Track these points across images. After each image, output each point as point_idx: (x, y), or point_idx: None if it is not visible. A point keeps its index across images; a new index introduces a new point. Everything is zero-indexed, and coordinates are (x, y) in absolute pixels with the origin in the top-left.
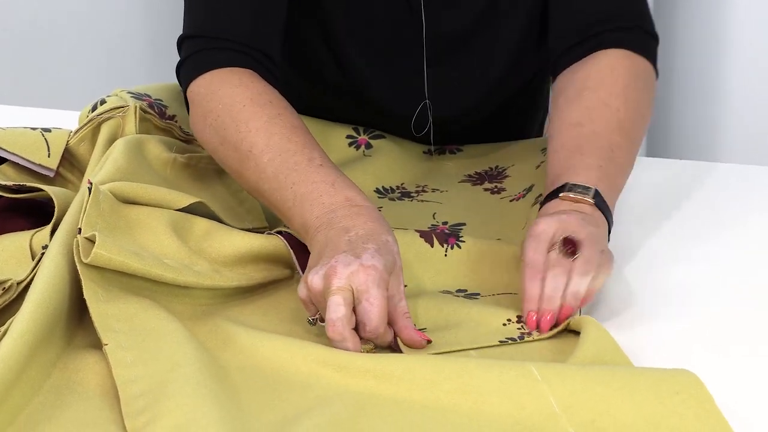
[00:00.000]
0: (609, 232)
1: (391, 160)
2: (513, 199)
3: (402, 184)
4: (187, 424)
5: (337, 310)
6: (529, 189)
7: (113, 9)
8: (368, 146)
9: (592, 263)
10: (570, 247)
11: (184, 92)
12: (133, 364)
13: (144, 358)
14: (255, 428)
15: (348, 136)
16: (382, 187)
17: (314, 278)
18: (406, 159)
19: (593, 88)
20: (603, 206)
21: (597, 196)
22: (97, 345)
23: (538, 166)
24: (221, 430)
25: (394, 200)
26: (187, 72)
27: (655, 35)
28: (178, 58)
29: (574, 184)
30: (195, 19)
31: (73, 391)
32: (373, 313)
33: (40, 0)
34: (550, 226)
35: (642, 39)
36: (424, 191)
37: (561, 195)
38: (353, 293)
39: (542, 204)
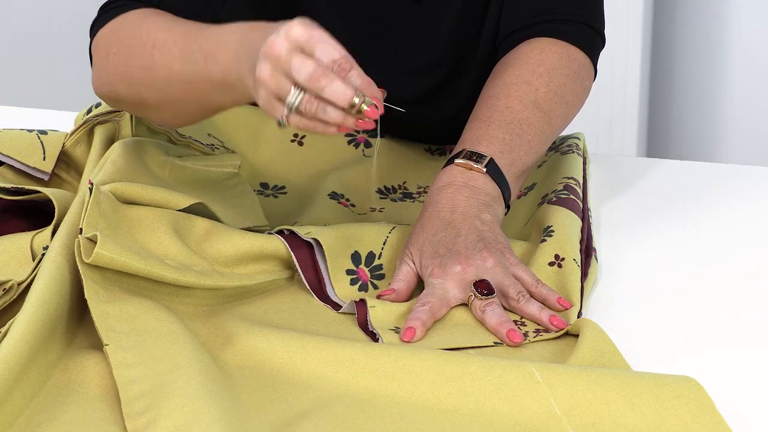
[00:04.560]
0: (507, 204)
1: (391, 160)
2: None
3: (404, 183)
4: (188, 425)
5: (305, 64)
6: (531, 187)
7: None
8: (367, 144)
9: (505, 267)
10: (484, 289)
11: (91, 47)
12: (134, 364)
13: (145, 359)
14: (255, 429)
15: (347, 135)
16: (384, 186)
17: (281, 37)
18: (407, 158)
19: (517, 66)
20: (497, 175)
21: (491, 164)
22: (97, 346)
23: (540, 165)
24: (222, 430)
25: (396, 201)
26: (96, 26)
27: (602, 35)
28: None
29: (471, 152)
30: None
31: (73, 392)
32: (333, 45)
33: (39, 0)
34: (453, 285)
35: (584, 34)
36: (425, 192)
37: (456, 161)
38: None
39: (443, 167)
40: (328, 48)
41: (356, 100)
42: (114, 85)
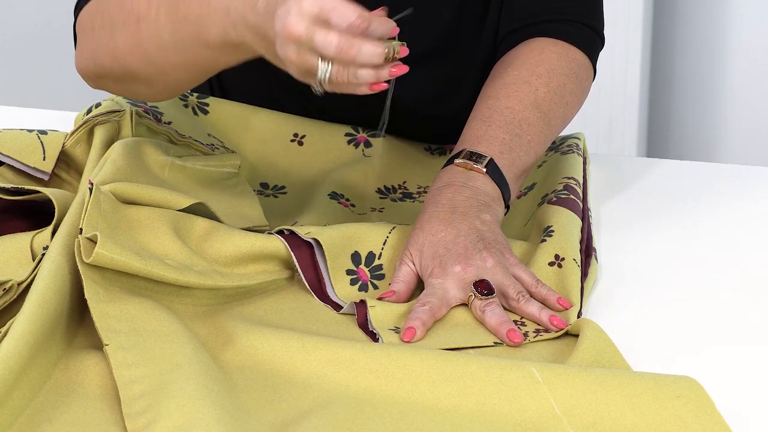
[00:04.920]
0: (507, 204)
1: (391, 160)
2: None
3: (404, 183)
4: (188, 425)
5: (329, 39)
6: (531, 187)
7: None
8: (367, 144)
9: (504, 267)
10: (484, 289)
11: (75, 26)
12: (134, 364)
13: (145, 359)
14: (255, 429)
15: (347, 134)
16: (384, 186)
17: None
18: (407, 158)
19: (516, 66)
20: (497, 175)
21: (491, 164)
22: (97, 346)
23: (540, 165)
24: (222, 430)
25: (396, 201)
26: (79, 5)
27: (601, 35)
28: None
29: (471, 152)
30: None
31: (73, 392)
32: (344, 9)
33: (39, 1)
34: (452, 285)
35: (584, 35)
36: (425, 192)
37: (456, 161)
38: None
39: (443, 167)
40: (342, 12)
41: (387, 52)
42: (99, 58)
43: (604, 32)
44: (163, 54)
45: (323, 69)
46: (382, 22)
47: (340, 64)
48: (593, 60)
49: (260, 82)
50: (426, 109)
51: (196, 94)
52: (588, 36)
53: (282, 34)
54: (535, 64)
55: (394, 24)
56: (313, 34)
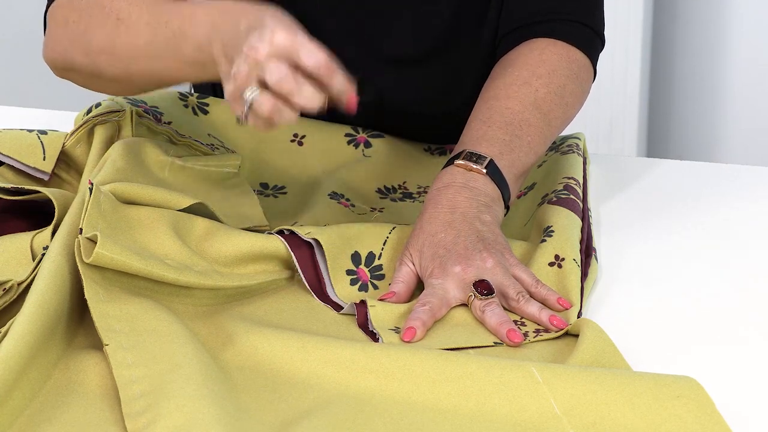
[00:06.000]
0: (507, 205)
1: (391, 160)
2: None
3: (404, 183)
4: (188, 425)
5: (279, 69)
6: (531, 187)
7: None
8: (367, 144)
9: (504, 268)
10: (484, 289)
11: (45, 17)
12: (134, 364)
13: (145, 359)
14: (255, 429)
15: (347, 134)
16: (384, 186)
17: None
18: (407, 158)
19: (517, 67)
20: (497, 176)
21: (491, 165)
22: (97, 346)
23: (540, 165)
24: (222, 430)
25: (396, 201)
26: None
27: (601, 36)
28: None
29: (471, 153)
30: None
31: (73, 392)
32: (316, 50)
33: (39, 0)
34: (452, 285)
35: (584, 35)
36: (425, 192)
37: (456, 162)
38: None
39: (443, 167)
40: (313, 51)
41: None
42: (69, 53)
43: (604, 32)
44: (134, 59)
45: (252, 90)
46: (343, 82)
47: (274, 94)
48: (593, 61)
49: None
50: (426, 108)
51: (196, 94)
52: (588, 36)
53: (245, 53)
54: (535, 64)
55: (354, 90)
56: (270, 60)
